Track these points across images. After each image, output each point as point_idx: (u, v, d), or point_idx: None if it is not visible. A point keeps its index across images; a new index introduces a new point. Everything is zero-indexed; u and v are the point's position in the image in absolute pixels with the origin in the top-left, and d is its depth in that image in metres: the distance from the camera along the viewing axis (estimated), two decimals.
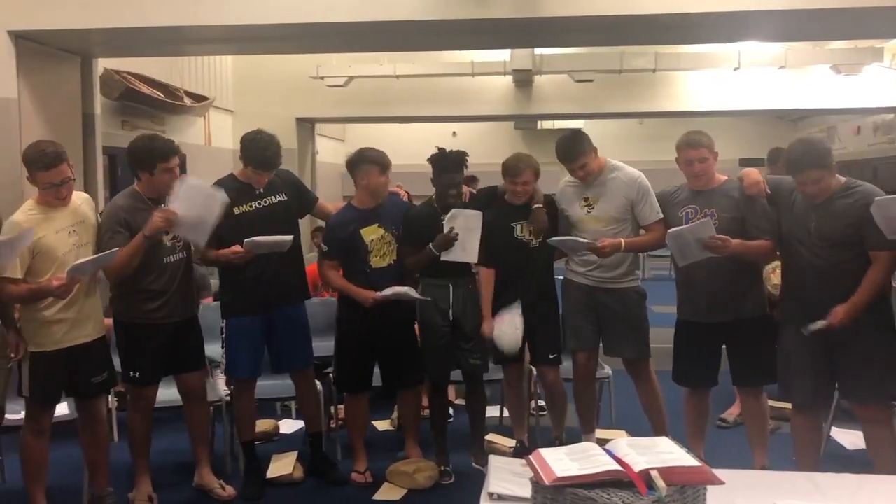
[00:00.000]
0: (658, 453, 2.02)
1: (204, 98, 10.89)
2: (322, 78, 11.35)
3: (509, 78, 11.54)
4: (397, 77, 11.34)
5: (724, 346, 3.89)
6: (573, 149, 4.00)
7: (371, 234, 4.04)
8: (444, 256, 3.98)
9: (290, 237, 3.92)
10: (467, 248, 3.98)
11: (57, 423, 3.81)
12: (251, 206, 3.96)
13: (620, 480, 1.93)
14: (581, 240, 3.92)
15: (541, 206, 4.07)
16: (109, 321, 3.84)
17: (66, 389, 3.66)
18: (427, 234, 4.01)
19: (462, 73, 11.31)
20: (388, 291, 3.91)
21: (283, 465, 4.23)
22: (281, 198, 4.04)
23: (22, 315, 3.53)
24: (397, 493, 4.04)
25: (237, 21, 6.16)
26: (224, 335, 4.04)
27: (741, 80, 11.06)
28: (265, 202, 4.00)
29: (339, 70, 11.33)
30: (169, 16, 6.09)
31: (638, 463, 1.95)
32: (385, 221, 4.07)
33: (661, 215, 3.92)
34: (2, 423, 3.58)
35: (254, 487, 4.04)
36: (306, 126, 12.78)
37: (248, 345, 4.02)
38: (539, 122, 16.10)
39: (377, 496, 4.03)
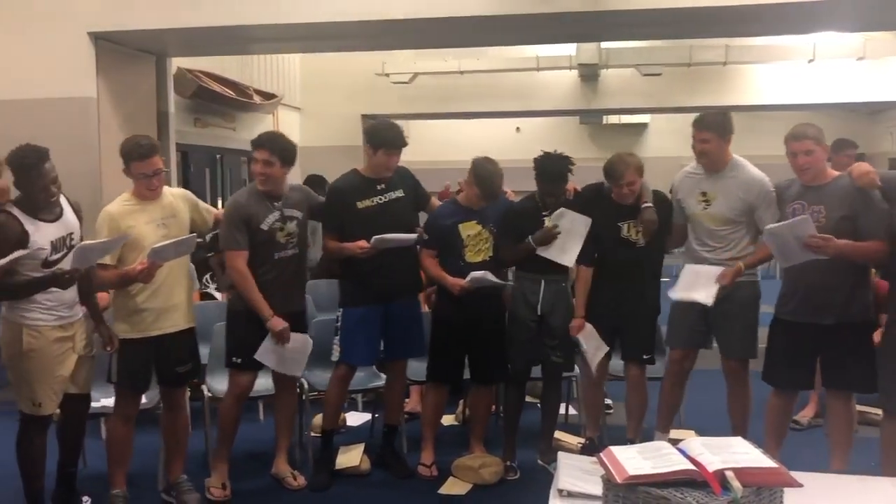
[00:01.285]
0: (733, 453, 1.97)
1: (273, 96, 11.09)
2: (387, 75, 11.45)
3: (575, 72, 11.44)
4: (462, 73, 11.37)
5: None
6: (728, 124, 3.92)
7: (469, 229, 4.09)
8: (542, 252, 3.96)
9: (414, 235, 4.04)
10: (566, 250, 3.96)
11: (141, 410, 3.95)
12: (372, 202, 4.05)
13: (694, 480, 1.89)
14: (699, 297, 3.75)
15: (650, 205, 3.96)
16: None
17: (155, 377, 3.79)
18: (525, 229, 4.01)
19: (527, 69, 11.26)
20: (469, 278, 3.93)
21: (350, 457, 4.28)
22: (399, 194, 4.12)
23: (114, 302, 3.71)
24: (462, 488, 4.06)
25: (305, 19, 6.26)
26: (339, 323, 4.12)
27: (816, 73, 10.73)
28: (385, 198, 4.08)
29: (404, 67, 11.42)
30: (239, 15, 6.23)
31: (712, 462, 1.91)
32: (485, 219, 4.10)
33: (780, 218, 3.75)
34: (88, 408, 3.73)
35: (324, 477, 4.11)
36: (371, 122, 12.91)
37: (365, 334, 4.10)
38: (605, 117, 15.90)
39: (443, 490, 4.05)
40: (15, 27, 6.34)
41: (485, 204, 4.06)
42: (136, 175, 3.57)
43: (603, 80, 11.75)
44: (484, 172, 4.00)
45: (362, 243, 3.93)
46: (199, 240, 3.96)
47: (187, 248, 3.62)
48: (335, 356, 4.14)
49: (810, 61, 10.11)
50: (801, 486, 1.95)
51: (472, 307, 4.06)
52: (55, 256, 3.37)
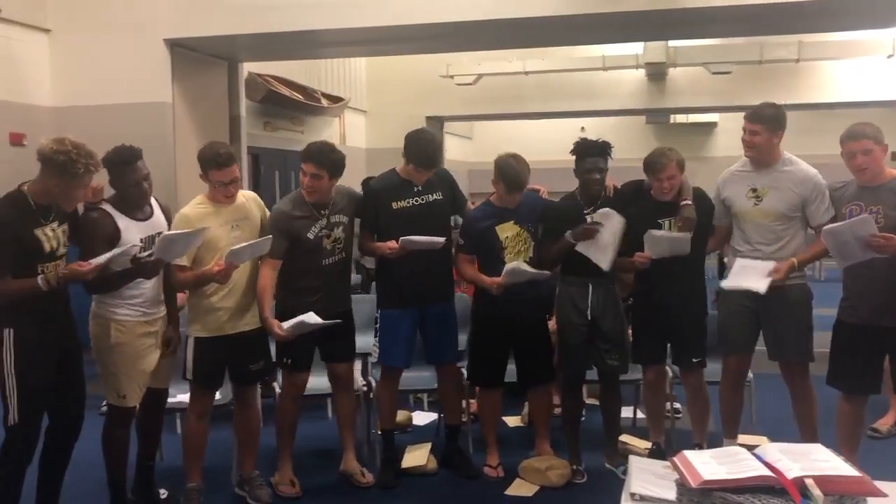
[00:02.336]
0: (813, 461, 1.93)
1: (340, 99, 11.25)
2: (452, 76, 11.49)
3: (642, 71, 11.30)
4: (526, 73, 11.33)
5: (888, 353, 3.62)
6: (781, 118, 3.89)
7: (507, 230, 4.06)
8: (580, 248, 3.93)
9: (443, 238, 4.02)
10: (603, 250, 3.90)
11: (215, 406, 4.06)
12: (409, 203, 4.07)
13: (772, 487, 1.86)
14: (754, 286, 3.68)
15: (689, 202, 3.90)
16: None
17: (229, 375, 3.89)
18: (566, 227, 3.97)
19: (593, 68, 11.16)
20: (504, 273, 3.89)
21: (417, 456, 4.32)
22: (437, 196, 4.13)
23: (189, 302, 3.83)
24: (529, 490, 4.04)
25: (372, 23, 6.34)
26: (378, 325, 4.17)
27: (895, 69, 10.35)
28: (423, 199, 4.09)
29: (469, 68, 11.44)
30: (308, 20, 6.35)
31: (791, 469, 1.87)
32: (522, 219, 4.08)
33: (834, 215, 3.69)
34: (166, 402, 3.86)
35: (390, 476, 4.16)
36: (436, 124, 12.96)
37: (401, 335, 4.13)
38: (672, 116, 15.66)
39: (509, 491, 4.05)
40: (97, 36, 6.59)
41: (513, 198, 4.01)
42: (213, 182, 3.67)
43: (670, 78, 11.57)
44: (505, 165, 3.98)
45: (391, 244, 3.93)
46: None
47: (262, 250, 3.71)
48: (374, 357, 4.19)
49: (889, 56, 9.76)
50: (885, 496, 1.90)
51: (511, 309, 4.02)
52: (144, 254, 3.49)
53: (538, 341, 4.19)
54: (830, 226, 3.45)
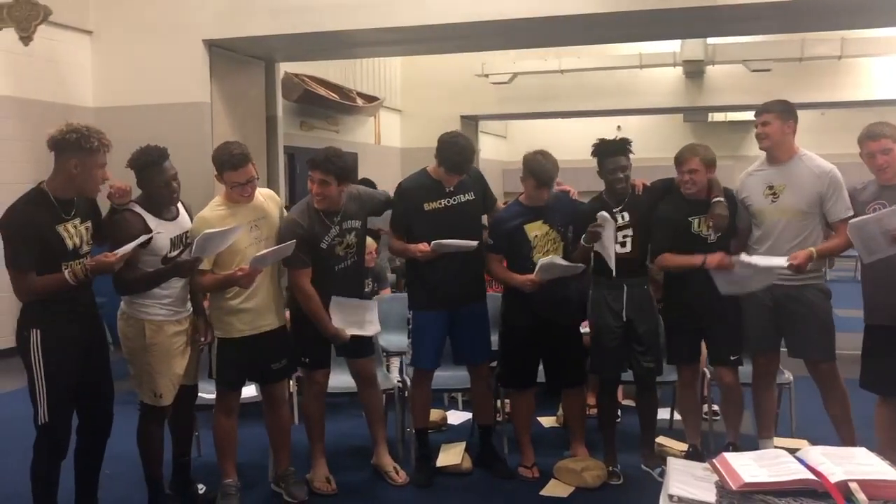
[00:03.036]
0: (857, 464, 1.89)
1: (374, 98, 11.31)
2: (486, 75, 11.49)
3: (679, 69, 11.20)
4: (562, 72, 11.29)
5: None
6: (791, 108, 3.90)
7: (535, 229, 4.04)
8: (599, 249, 3.90)
9: (475, 242, 4.01)
10: (607, 249, 3.87)
11: (252, 403, 4.14)
12: (440, 204, 4.06)
13: (814, 490, 1.82)
14: (774, 262, 3.66)
15: (721, 199, 3.87)
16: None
17: (250, 374, 3.92)
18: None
19: (629, 66, 11.09)
20: (537, 268, 3.87)
21: (452, 455, 4.31)
22: (469, 197, 4.12)
23: (211, 305, 3.83)
24: (565, 491, 4.02)
25: (407, 23, 6.37)
26: (410, 326, 4.17)
27: None
28: (454, 200, 4.08)
29: (504, 67, 11.43)
30: (345, 21, 6.40)
31: (834, 473, 1.83)
32: (551, 218, 4.05)
33: (852, 212, 3.68)
34: (195, 400, 3.90)
35: (424, 474, 4.16)
36: (471, 123, 12.98)
37: (431, 338, 4.14)
38: (710, 115, 15.48)
39: (544, 492, 4.03)
40: (137, 38, 6.71)
41: (542, 195, 3.99)
42: (229, 183, 3.65)
43: (709, 76, 11.46)
44: (533, 161, 3.97)
45: (423, 246, 3.92)
46: None
47: (285, 254, 3.69)
48: (408, 359, 4.19)
49: None
50: None
51: (542, 310, 3.99)
52: (173, 253, 3.52)
53: (569, 342, 4.16)
54: (858, 219, 3.42)
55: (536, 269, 3.89)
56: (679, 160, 3.91)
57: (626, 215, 3.98)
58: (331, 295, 3.89)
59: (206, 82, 6.73)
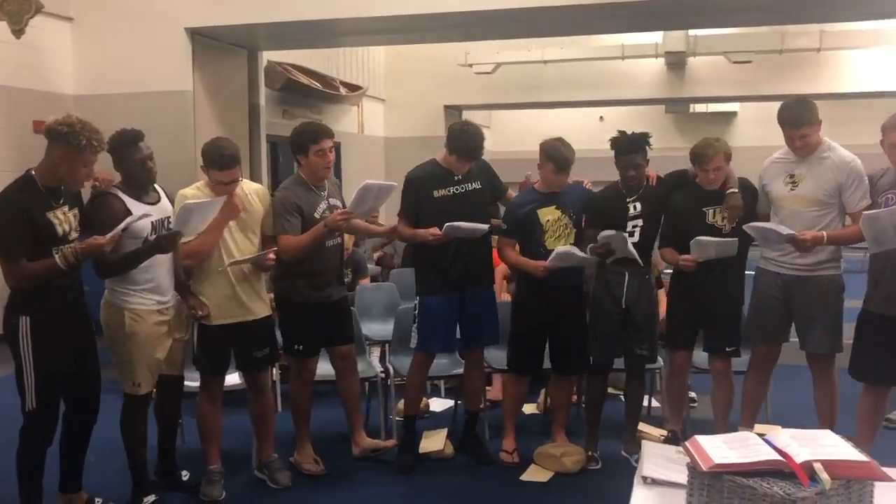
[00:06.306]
0: (822, 446, 1.95)
1: (358, 87, 11.28)
2: (470, 65, 11.50)
3: (661, 60, 11.27)
4: (545, 62, 11.33)
5: None
6: (801, 115, 3.80)
7: (548, 214, 4.12)
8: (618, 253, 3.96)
9: (486, 226, 4.08)
10: (631, 253, 3.92)
11: (236, 391, 4.18)
12: (449, 191, 4.12)
13: (781, 471, 1.88)
14: (781, 229, 3.68)
15: (735, 190, 3.90)
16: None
17: (233, 362, 3.95)
18: (611, 216, 4.01)
19: (612, 57, 11.14)
20: (553, 255, 3.92)
21: (434, 441, 4.37)
22: (476, 185, 4.18)
23: (196, 291, 3.81)
24: (544, 476, 4.09)
25: (391, 12, 6.37)
26: (417, 311, 4.23)
27: None
28: (462, 188, 4.15)
29: (488, 57, 11.44)
30: (328, 9, 6.40)
31: (800, 454, 1.89)
32: (564, 204, 4.13)
33: (870, 202, 3.69)
34: (182, 388, 3.93)
35: (407, 461, 4.22)
36: (454, 113, 12.99)
37: (441, 322, 4.19)
38: (691, 106, 15.57)
39: (524, 477, 4.09)
40: (119, 25, 6.67)
41: (560, 179, 4.06)
42: (213, 180, 3.69)
43: (690, 67, 11.54)
44: (552, 147, 4.06)
45: (434, 230, 3.99)
46: None
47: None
48: (413, 343, 4.24)
49: None
50: (892, 480, 1.92)
51: (554, 297, 4.09)
52: (154, 236, 3.53)
53: (577, 331, 4.22)
54: (871, 212, 3.44)
55: (552, 255, 3.94)
56: (702, 159, 3.90)
57: (639, 205, 4.05)
58: (321, 274, 3.98)
59: (189, 70, 6.70)
